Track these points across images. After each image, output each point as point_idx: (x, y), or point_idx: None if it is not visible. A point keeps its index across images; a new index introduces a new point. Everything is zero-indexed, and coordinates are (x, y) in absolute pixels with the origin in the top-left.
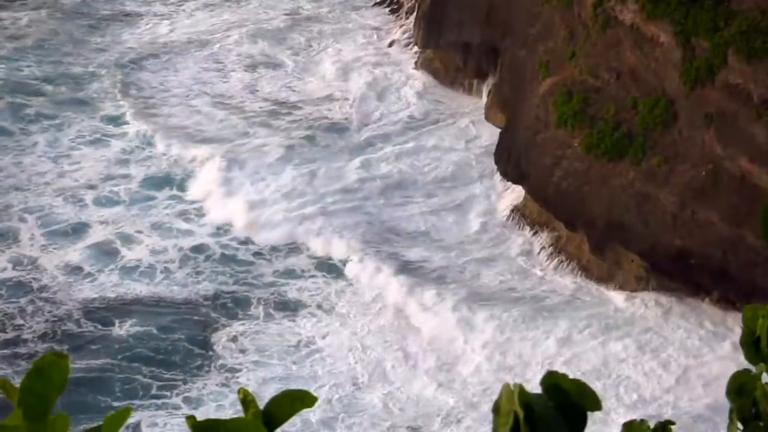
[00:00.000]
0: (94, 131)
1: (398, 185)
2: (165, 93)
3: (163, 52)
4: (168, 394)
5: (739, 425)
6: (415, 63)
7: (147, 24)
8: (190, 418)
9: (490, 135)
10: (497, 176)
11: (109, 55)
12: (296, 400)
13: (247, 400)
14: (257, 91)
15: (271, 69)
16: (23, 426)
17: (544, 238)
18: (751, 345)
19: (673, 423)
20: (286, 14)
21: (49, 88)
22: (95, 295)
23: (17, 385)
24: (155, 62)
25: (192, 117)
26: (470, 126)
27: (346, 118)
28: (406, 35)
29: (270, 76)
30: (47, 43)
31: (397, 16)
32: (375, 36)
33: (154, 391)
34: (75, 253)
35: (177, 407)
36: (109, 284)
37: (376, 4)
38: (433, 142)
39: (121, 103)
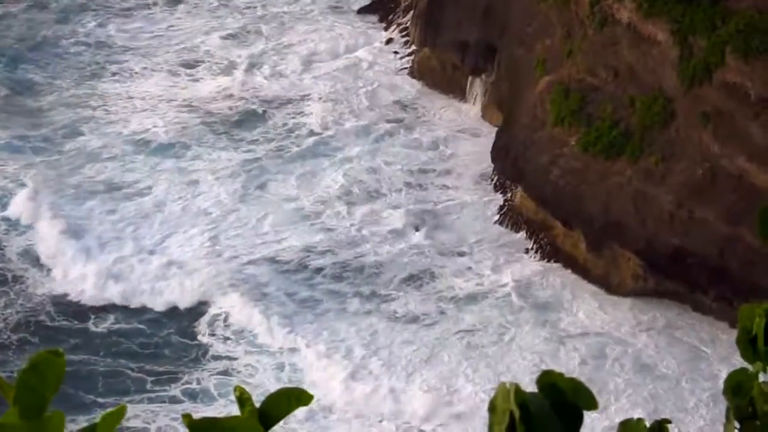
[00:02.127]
0: None
1: None
2: None
3: None
4: None
5: (737, 424)
6: (411, 68)
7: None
8: (187, 417)
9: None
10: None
11: None
12: (293, 398)
13: (243, 398)
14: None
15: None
16: (19, 424)
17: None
18: (747, 344)
19: (669, 421)
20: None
21: None
22: None
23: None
24: None
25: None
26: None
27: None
28: (402, 36)
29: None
30: None
31: (390, 18)
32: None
33: None
34: None
35: None
36: None
37: (362, 10)
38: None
39: None
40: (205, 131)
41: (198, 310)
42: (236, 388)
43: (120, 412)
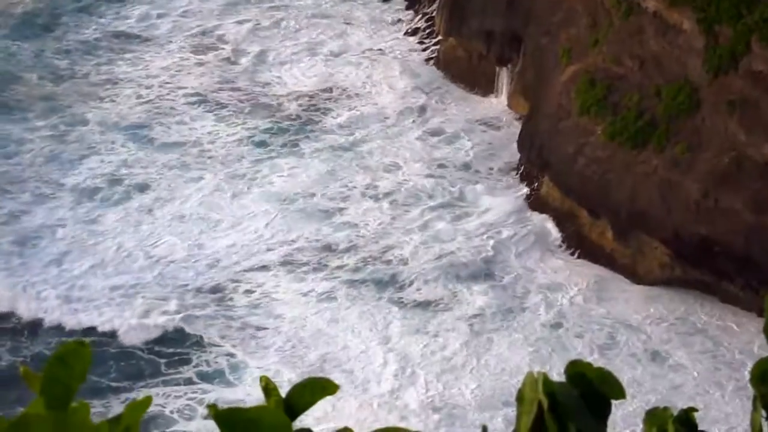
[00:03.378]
0: None
1: None
2: None
3: None
4: None
5: (763, 412)
6: (436, 57)
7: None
8: (212, 407)
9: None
10: None
11: None
12: (318, 388)
13: (269, 388)
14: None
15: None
16: (45, 414)
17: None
18: None
19: (696, 410)
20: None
21: None
22: None
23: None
24: None
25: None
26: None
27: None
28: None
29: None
30: None
31: (416, 8)
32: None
33: None
34: None
35: None
36: None
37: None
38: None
39: None
40: (220, 122)
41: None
42: (262, 378)
43: (146, 402)
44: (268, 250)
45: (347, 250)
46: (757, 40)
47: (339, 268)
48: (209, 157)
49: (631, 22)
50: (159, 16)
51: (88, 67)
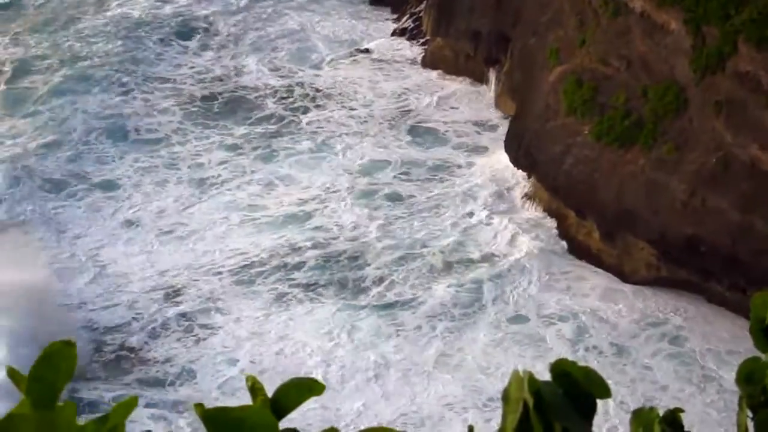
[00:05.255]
0: None
1: None
2: None
3: None
4: None
5: (749, 413)
6: (423, 57)
7: None
8: (199, 406)
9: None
10: None
11: None
12: (304, 389)
13: (255, 387)
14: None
15: None
16: (31, 414)
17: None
18: (760, 333)
19: (682, 411)
20: None
21: None
22: None
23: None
24: None
25: None
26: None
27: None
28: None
29: None
30: None
31: (403, 8)
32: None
33: None
34: None
35: None
36: None
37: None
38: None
39: None
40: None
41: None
42: (248, 378)
43: (132, 402)
44: (229, 252)
45: (315, 251)
46: (745, 41)
47: (307, 269)
48: (179, 158)
49: (618, 23)
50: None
51: None
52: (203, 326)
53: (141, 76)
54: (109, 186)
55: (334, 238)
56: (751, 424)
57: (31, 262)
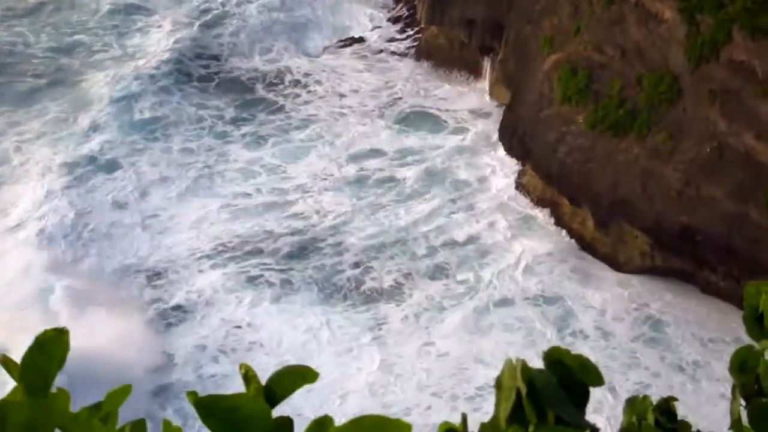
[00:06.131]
0: None
1: None
2: None
3: None
4: None
5: (742, 401)
6: (418, 46)
7: None
8: (192, 394)
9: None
10: None
11: None
12: (298, 376)
13: (248, 375)
14: None
15: None
16: (25, 401)
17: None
18: (754, 321)
19: (675, 399)
20: None
21: None
22: None
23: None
24: None
25: None
26: None
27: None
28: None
29: None
30: None
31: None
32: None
33: None
34: None
35: None
36: None
37: None
38: None
39: None
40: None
41: None
42: (242, 366)
43: (126, 390)
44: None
45: (295, 237)
46: (739, 30)
47: (284, 256)
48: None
49: (612, 11)
50: None
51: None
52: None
53: None
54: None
55: (314, 225)
56: (744, 413)
57: None
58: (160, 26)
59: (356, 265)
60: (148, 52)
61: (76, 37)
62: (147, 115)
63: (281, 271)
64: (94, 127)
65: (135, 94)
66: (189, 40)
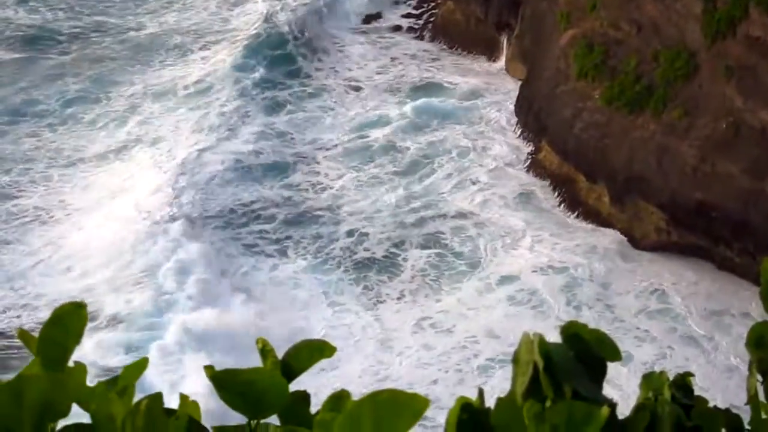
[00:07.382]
0: None
1: None
2: None
3: None
4: None
5: (759, 377)
6: (434, 22)
7: None
8: (209, 368)
9: None
10: None
11: None
12: (315, 351)
13: (265, 350)
14: None
15: None
16: (42, 375)
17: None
18: None
19: (692, 375)
20: None
21: None
22: None
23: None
24: None
25: None
26: None
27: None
28: None
29: None
30: None
31: None
32: None
33: None
34: None
35: None
36: None
37: None
38: None
39: None
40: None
41: None
42: (258, 340)
43: (143, 363)
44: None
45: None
46: (756, 6)
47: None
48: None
49: None
50: None
51: None
52: None
53: None
54: None
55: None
56: (761, 388)
57: None
58: None
59: (350, 234)
60: None
61: None
62: None
63: (278, 240)
64: None
65: None
66: None
